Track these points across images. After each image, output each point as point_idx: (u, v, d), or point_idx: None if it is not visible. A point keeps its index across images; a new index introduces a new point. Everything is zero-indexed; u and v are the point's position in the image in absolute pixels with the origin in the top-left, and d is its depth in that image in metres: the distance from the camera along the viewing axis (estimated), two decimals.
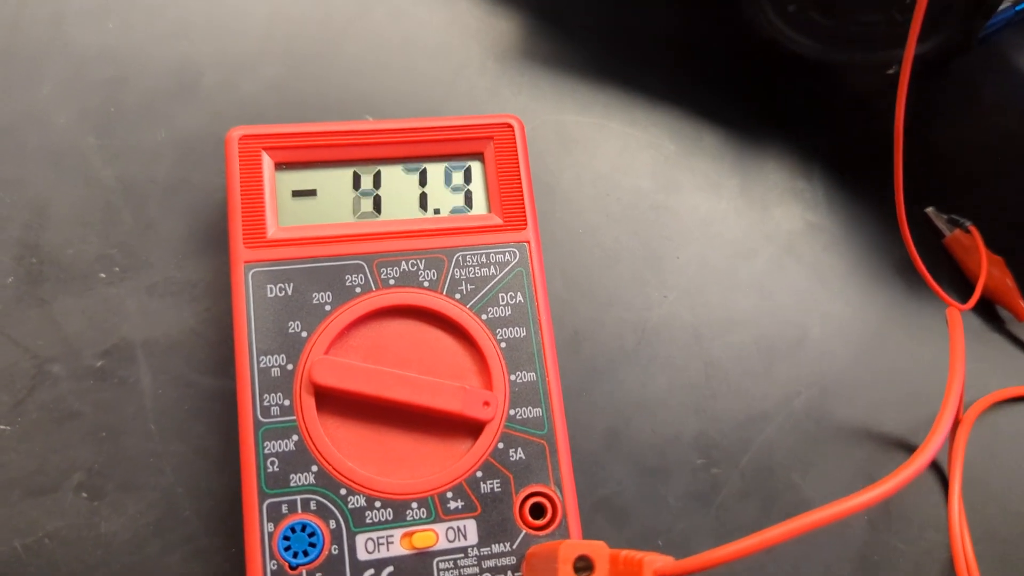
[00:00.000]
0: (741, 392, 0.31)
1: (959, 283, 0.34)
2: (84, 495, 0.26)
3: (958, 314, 0.28)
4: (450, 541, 0.25)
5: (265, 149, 0.27)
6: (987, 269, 0.32)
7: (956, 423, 0.30)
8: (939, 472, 0.31)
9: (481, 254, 0.27)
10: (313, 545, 0.24)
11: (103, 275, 0.28)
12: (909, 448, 0.31)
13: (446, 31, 0.34)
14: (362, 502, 0.24)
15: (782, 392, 0.31)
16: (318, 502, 0.24)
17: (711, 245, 0.33)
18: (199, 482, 0.27)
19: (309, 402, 0.25)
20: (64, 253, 0.28)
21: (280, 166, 0.27)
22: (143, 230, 0.29)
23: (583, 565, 0.21)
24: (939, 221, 0.34)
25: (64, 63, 0.30)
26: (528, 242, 0.28)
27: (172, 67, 0.31)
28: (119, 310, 0.28)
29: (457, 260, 0.27)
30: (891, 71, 0.35)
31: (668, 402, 0.30)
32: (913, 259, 0.27)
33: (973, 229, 0.33)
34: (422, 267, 0.27)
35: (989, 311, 0.34)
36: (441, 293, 0.27)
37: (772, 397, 0.31)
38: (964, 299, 0.33)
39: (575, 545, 0.21)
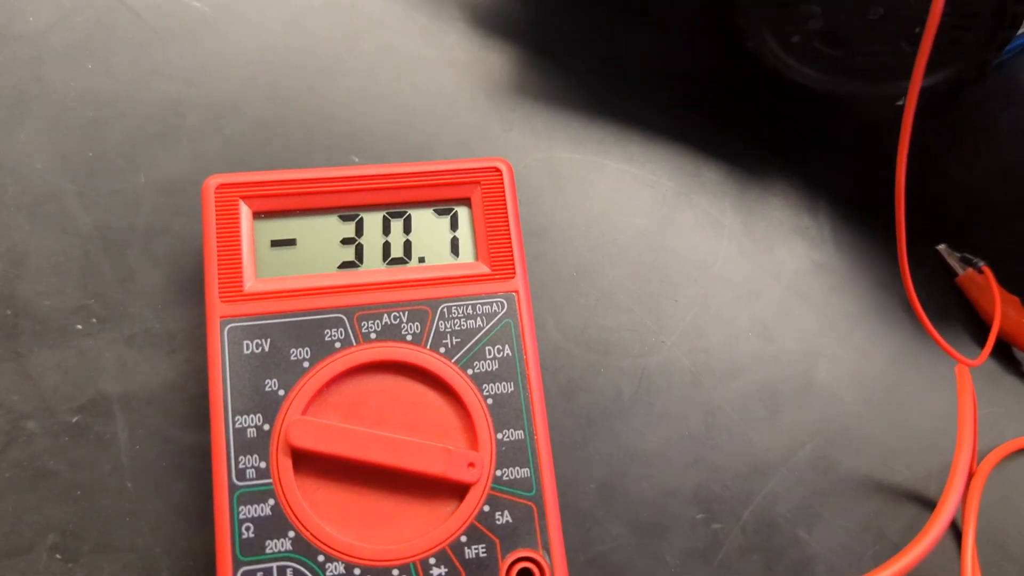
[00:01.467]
0: (743, 442, 0.30)
1: (973, 323, 0.33)
2: (58, 556, 0.25)
3: (967, 372, 0.27)
4: None
5: (243, 198, 0.26)
6: (1002, 311, 0.31)
7: (970, 475, 0.29)
8: (952, 526, 0.29)
9: (467, 305, 0.26)
10: None
11: (80, 327, 0.27)
12: (920, 500, 0.30)
13: (436, 67, 0.32)
14: (341, 569, 0.23)
15: (787, 442, 0.30)
16: (295, 570, 0.23)
17: (712, 287, 0.31)
18: (178, 542, 0.26)
19: (286, 464, 0.24)
20: (40, 304, 0.27)
21: (258, 215, 0.26)
22: (122, 280, 0.28)
23: None
24: (951, 259, 0.32)
25: (42, 106, 0.30)
26: (516, 292, 0.27)
27: (153, 109, 0.30)
28: (96, 363, 0.27)
29: (442, 312, 0.26)
30: (900, 103, 0.33)
31: (666, 454, 0.29)
32: (917, 313, 0.26)
33: (986, 269, 0.32)
34: (405, 320, 0.26)
35: (1005, 354, 0.32)
36: (424, 347, 0.26)
37: (776, 447, 0.30)
38: (977, 339, 0.32)
39: None
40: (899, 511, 0.29)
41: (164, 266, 0.28)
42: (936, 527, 0.20)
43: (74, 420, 0.27)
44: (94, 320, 0.28)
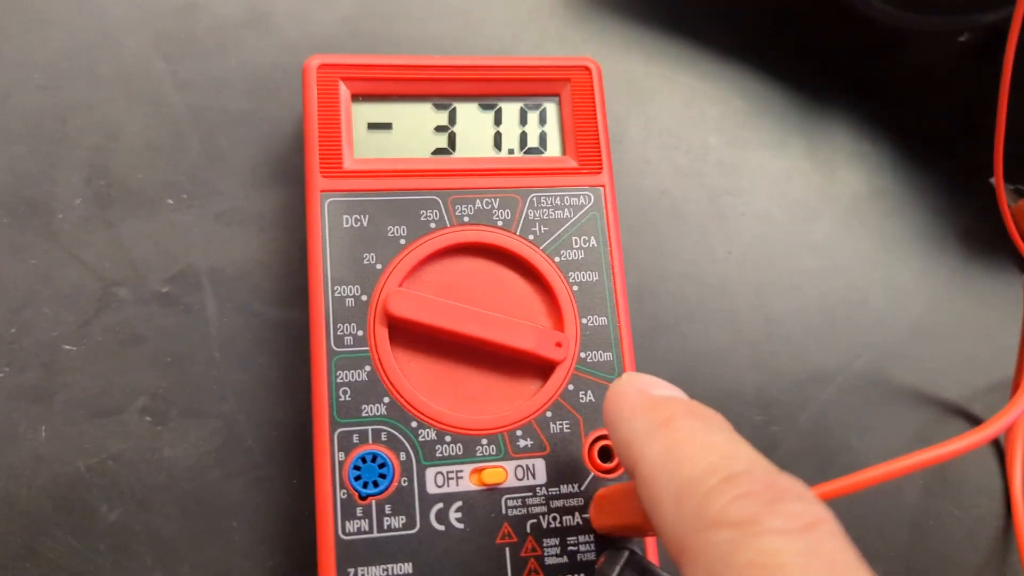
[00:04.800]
0: (802, 351, 0.31)
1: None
2: (148, 419, 0.26)
3: None
4: (519, 479, 0.24)
5: (343, 79, 0.27)
6: None
7: None
8: (995, 443, 0.31)
9: (555, 196, 0.27)
10: (383, 476, 0.24)
11: (171, 201, 0.28)
12: (966, 415, 0.31)
13: None
14: (432, 435, 0.24)
15: (842, 353, 0.31)
16: (389, 433, 0.24)
17: (776, 204, 0.32)
18: (261, 412, 0.27)
19: (383, 333, 0.25)
20: (133, 177, 0.28)
21: (356, 97, 0.27)
22: (211, 158, 0.29)
23: None
24: (1005, 191, 0.34)
25: None
26: (603, 186, 0.27)
27: None
28: (186, 237, 0.28)
29: (531, 201, 0.27)
30: (962, 38, 0.35)
31: (729, 357, 0.30)
32: (1004, 217, 0.27)
33: None
34: (496, 206, 0.26)
35: None
36: (515, 233, 0.26)
37: (832, 358, 0.31)
38: None
39: None
40: (947, 425, 0.31)
41: (252, 148, 0.29)
42: (986, 431, 0.21)
43: (164, 290, 0.27)
44: (184, 196, 0.28)
